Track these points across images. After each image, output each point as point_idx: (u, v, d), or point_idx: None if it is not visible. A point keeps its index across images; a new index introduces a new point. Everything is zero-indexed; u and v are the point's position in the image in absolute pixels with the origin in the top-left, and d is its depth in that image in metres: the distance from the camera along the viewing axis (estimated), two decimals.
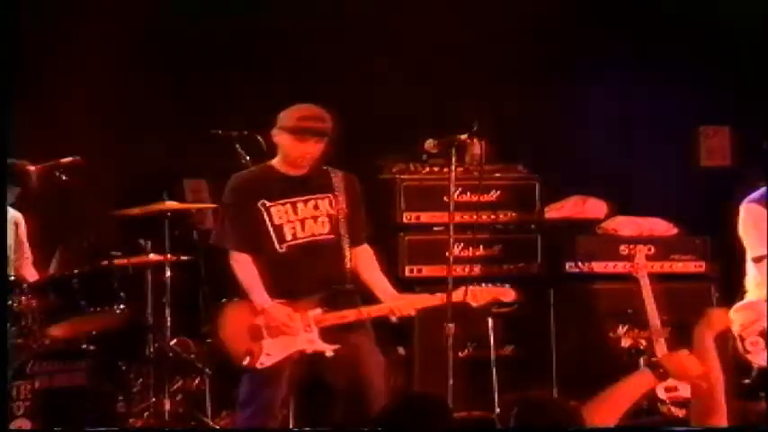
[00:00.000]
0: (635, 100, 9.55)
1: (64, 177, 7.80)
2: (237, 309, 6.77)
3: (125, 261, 8.08)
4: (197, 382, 8.25)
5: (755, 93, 8.98)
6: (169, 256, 8.11)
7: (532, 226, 8.64)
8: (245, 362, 6.65)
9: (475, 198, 8.00)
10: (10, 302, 7.38)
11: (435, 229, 8.31)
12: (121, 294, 7.83)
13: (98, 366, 7.52)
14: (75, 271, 7.77)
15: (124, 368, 7.88)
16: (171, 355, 8.14)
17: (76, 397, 7.40)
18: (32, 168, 7.74)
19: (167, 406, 7.97)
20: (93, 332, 7.76)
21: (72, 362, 7.46)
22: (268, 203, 6.76)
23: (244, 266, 6.75)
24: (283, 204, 6.77)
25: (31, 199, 8.02)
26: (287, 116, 6.85)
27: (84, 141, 8.66)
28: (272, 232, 6.73)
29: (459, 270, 7.90)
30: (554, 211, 8.97)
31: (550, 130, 9.44)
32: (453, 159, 6.69)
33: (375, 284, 6.86)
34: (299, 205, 6.80)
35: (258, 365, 6.65)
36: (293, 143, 6.78)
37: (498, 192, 8.52)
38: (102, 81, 9.27)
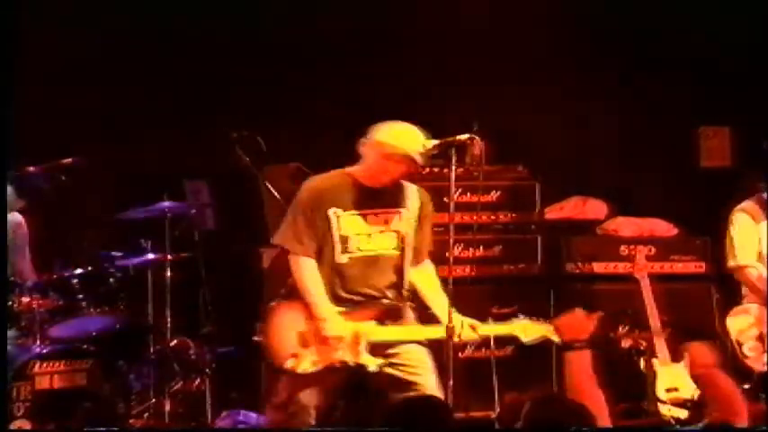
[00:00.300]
0: (635, 100, 9.55)
1: (63, 177, 7.80)
2: (289, 310, 6.63)
3: (125, 261, 8.09)
4: (197, 382, 8.25)
5: (755, 93, 8.98)
6: (169, 256, 8.11)
7: (533, 226, 8.63)
8: (288, 365, 6.55)
9: (475, 199, 8.00)
10: (10, 303, 7.39)
11: (435, 229, 8.29)
12: (122, 295, 7.85)
13: (98, 367, 7.52)
14: (76, 271, 7.79)
15: (124, 369, 7.89)
16: (171, 355, 8.14)
17: (77, 398, 7.40)
18: (32, 170, 7.75)
19: (167, 406, 7.97)
20: (94, 333, 7.77)
21: (72, 362, 7.47)
22: (340, 213, 6.64)
23: (308, 271, 6.60)
24: (354, 215, 6.65)
25: (33, 200, 8.03)
26: (382, 132, 6.65)
27: (84, 141, 8.66)
28: (336, 241, 6.62)
29: (459, 270, 7.95)
30: (554, 212, 8.98)
31: (550, 131, 9.44)
32: (453, 160, 6.66)
33: (434, 303, 6.76)
34: (370, 218, 6.67)
35: (300, 371, 6.55)
36: (379, 160, 6.62)
37: (498, 192, 8.51)
38: (102, 81, 9.27)
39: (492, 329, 6.80)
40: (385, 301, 6.69)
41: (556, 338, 6.68)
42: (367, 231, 6.66)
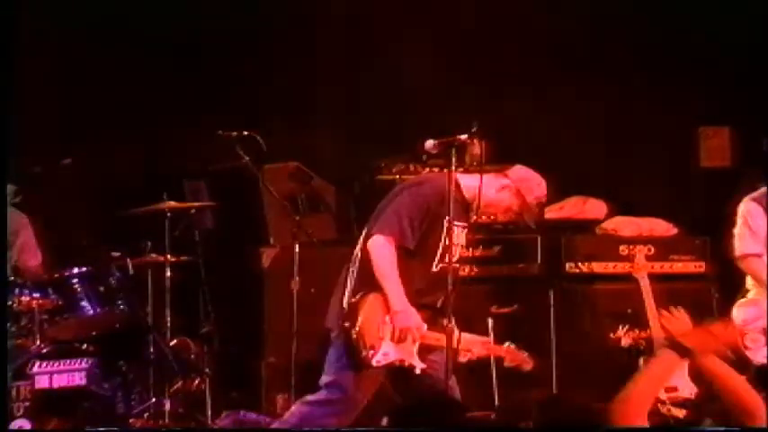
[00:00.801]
0: (635, 100, 9.55)
1: (64, 178, 7.81)
2: (377, 302, 6.61)
3: (125, 261, 8.08)
4: (197, 382, 8.25)
5: (755, 93, 8.97)
6: (169, 256, 8.11)
7: (532, 226, 8.63)
8: (365, 354, 6.55)
9: None
10: (10, 303, 7.39)
11: None
12: (121, 294, 7.85)
13: (98, 367, 7.52)
14: (76, 271, 7.79)
15: (124, 369, 7.88)
16: (171, 355, 8.13)
17: (76, 397, 7.40)
18: (37, 170, 7.76)
19: (167, 406, 7.97)
20: (94, 332, 7.77)
21: (72, 362, 7.46)
22: (455, 223, 6.62)
23: (393, 266, 6.57)
24: (459, 227, 6.68)
25: (34, 199, 8.04)
26: (531, 187, 6.84)
27: (84, 141, 8.67)
28: (440, 250, 6.61)
29: (459, 271, 7.94)
30: (554, 212, 8.97)
31: (550, 130, 9.44)
32: (453, 160, 6.67)
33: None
34: (465, 231, 6.74)
35: (374, 363, 6.55)
36: (512, 201, 6.74)
37: None
38: (101, 81, 9.28)
39: (488, 350, 6.98)
40: (439, 307, 6.69)
41: (527, 368, 6.98)
42: (460, 243, 6.70)
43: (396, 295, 6.56)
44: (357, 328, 6.55)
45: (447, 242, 6.58)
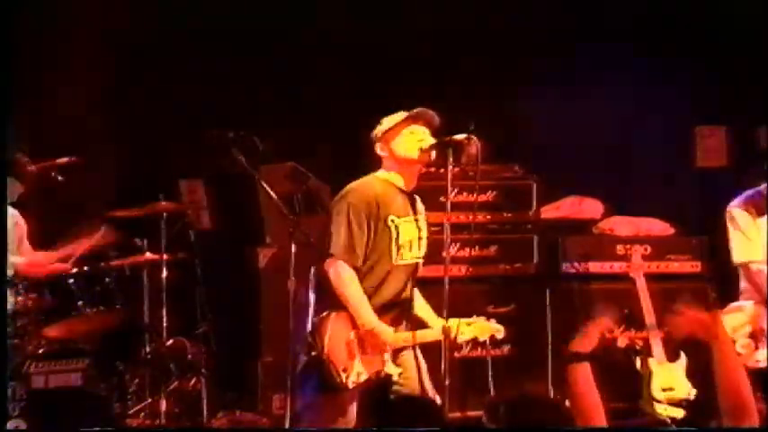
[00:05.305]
0: (632, 100, 9.56)
1: (60, 178, 7.81)
2: (338, 323, 6.41)
3: (121, 261, 8.09)
4: (193, 382, 8.26)
5: (752, 92, 8.98)
6: (165, 256, 8.12)
7: (529, 226, 8.63)
8: (342, 379, 6.35)
9: (471, 198, 8.01)
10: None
11: (432, 229, 8.29)
12: (117, 294, 7.85)
13: (94, 367, 7.53)
14: (72, 271, 7.79)
15: (120, 368, 7.90)
16: (167, 355, 8.14)
17: (73, 397, 7.41)
18: (33, 168, 7.76)
19: (164, 406, 7.98)
20: (90, 332, 7.77)
21: (68, 362, 7.47)
22: (397, 220, 6.52)
23: (351, 279, 6.41)
24: (408, 222, 6.56)
25: (29, 198, 8.04)
26: (389, 119, 6.64)
27: (83, 141, 8.67)
28: (394, 250, 6.50)
29: (455, 270, 7.94)
30: (550, 211, 8.98)
31: (548, 130, 9.44)
32: (450, 159, 6.67)
33: (424, 306, 6.74)
34: (418, 224, 6.61)
35: (351, 384, 6.35)
36: (406, 137, 6.58)
37: (495, 192, 8.52)
38: (100, 81, 9.28)
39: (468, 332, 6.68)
40: (402, 307, 6.59)
41: (499, 336, 6.67)
42: (416, 238, 6.59)
43: (364, 315, 6.41)
44: (326, 352, 6.35)
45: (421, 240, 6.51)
